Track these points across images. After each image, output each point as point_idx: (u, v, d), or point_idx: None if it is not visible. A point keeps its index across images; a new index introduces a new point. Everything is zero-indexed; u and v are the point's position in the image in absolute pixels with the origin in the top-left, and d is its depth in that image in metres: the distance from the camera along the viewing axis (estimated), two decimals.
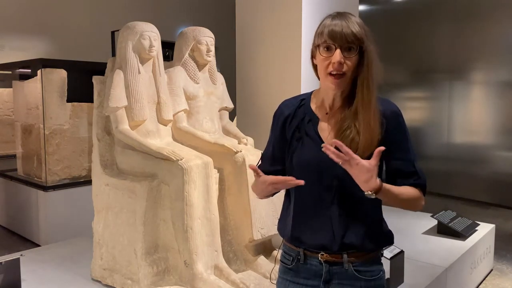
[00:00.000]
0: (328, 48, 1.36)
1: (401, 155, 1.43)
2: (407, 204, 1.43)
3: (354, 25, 1.34)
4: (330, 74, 1.36)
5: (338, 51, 1.34)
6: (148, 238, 2.64)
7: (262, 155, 1.61)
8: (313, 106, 1.49)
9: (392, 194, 1.35)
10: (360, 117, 1.37)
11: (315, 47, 1.40)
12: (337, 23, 1.34)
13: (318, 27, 1.40)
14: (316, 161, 1.41)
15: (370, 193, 1.30)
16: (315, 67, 1.45)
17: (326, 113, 1.46)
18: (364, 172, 1.26)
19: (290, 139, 1.49)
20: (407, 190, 1.41)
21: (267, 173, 1.51)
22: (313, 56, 1.44)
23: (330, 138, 1.41)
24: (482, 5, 6.59)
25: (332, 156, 1.25)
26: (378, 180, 1.29)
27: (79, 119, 4.90)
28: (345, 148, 1.24)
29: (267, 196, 1.53)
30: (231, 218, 2.95)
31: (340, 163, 1.26)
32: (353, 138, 1.37)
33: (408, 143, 1.45)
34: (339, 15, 1.37)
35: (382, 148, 1.27)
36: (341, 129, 1.39)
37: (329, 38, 1.34)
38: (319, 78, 1.46)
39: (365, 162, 1.25)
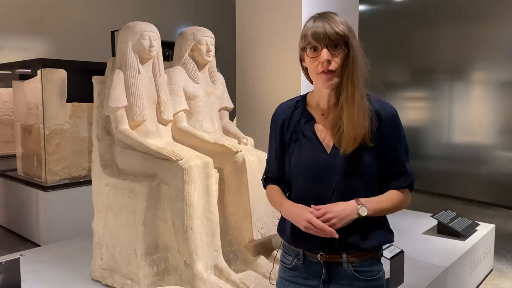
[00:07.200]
0: (314, 49, 1.38)
1: (394, 156, 1.46)
2: (393, 211, 1.47)
3: (337, 24, 1.36)
4: (321, 73, 1.38)
5: (324, 50, 1.36)
6: (148, 238, 2.64)
7: (267, 161, 1.64)
8: (308, 107, 1.51)
9: (377, 208, 1.41)
10: (344, 112, 1.39)
11: (302, 50, 1.42)
12: (319, 25, 1.36)
13: (302, 30, 1.42)
14: (314, 161, 1.43)
15: (361, 215, 1.37)
16: (305, 70, 1.47)
17: (322, 114, 1.47)
18: (340, 219, 1.35)
19: (288, 141, 1.50)
20: (390, 197, 1.45)
21: (275, 178, 1.57)
22: (301, 60, 1.46)
23: (327, 138, 1.44)
24: (482, 5, 6.58)
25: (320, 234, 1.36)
26: (354, 209, 1.36)
27: (79, 119, 4.90)
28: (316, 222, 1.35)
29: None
30: (231, 218, 2.95)
31: (332, 232, 1.34)
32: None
33: (402, 144, 1.47)
34: (321, 16, 1.39)
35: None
36: (335, 127, 1.41)
37: (313, 40, 1.37)
38: (310, 81, 1.48)
39: (329, 214, 1.35)
